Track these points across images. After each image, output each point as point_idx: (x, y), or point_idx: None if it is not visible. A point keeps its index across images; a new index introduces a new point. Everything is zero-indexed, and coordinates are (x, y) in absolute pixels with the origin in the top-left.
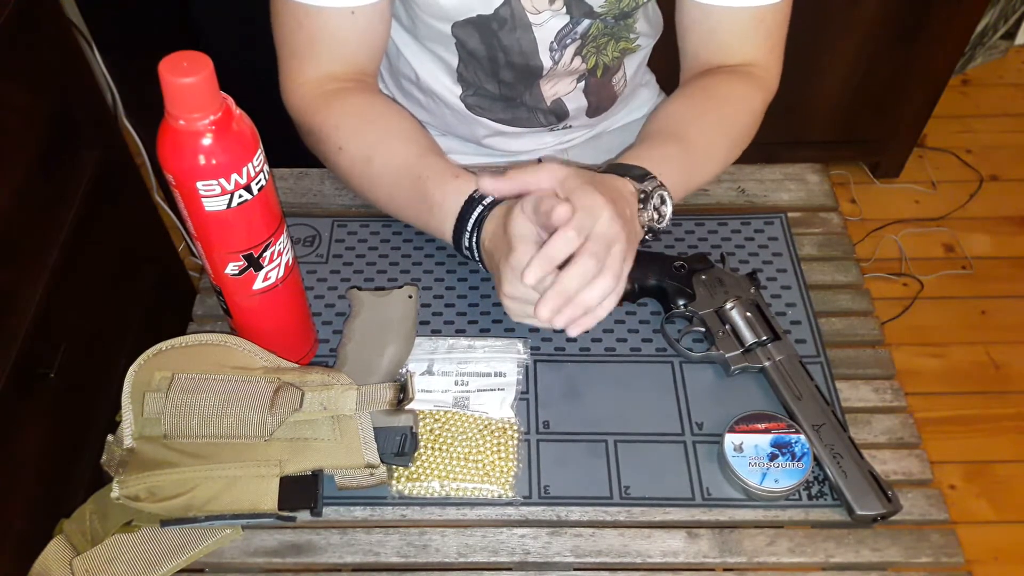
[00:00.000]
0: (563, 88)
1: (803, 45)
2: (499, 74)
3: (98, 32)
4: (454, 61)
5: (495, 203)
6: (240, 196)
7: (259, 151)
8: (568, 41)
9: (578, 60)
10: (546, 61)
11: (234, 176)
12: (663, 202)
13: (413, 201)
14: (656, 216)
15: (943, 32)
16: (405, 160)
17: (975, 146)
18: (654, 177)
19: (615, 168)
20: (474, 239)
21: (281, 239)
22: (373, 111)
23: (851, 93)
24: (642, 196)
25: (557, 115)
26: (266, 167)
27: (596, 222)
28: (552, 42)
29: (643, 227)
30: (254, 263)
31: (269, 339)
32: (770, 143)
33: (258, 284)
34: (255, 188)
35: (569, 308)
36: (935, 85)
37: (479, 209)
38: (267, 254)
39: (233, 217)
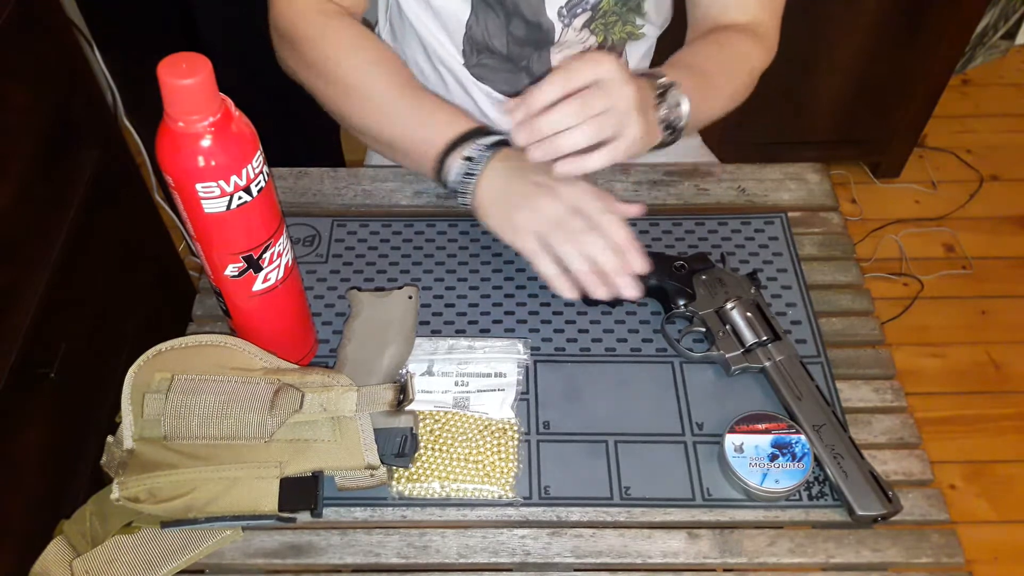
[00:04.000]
0: None
1: (803, 45)
2: (510, 25)
3: (98, 32)
4: (465, 12)
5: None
6: (240, 198)
7: (258, 152)
8: (579, 11)
9: (587, 32)
10: (556, 23)
11: (233, 178)
12: (679, 103)
13: (406, 109)
14: (675, 115)
15: (943, 32)
16: (404, 74)
17: (975, 146)
18: (672, 80)
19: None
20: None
21: (281, 240)
22: (370, 36)
23: (851, 93)
24: (660, 91)
25: None
26: (265, 168)
27: (599, 67)
28: (561, 7)
29: (661, 122)
30: (254, 264)
31: (269, 340)
32: (770, 143)
33: (258, 285)
34: (254, 190)
35: (546, 143)
36: (935, 85)
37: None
38: (267, 255)
39: (232, 219)
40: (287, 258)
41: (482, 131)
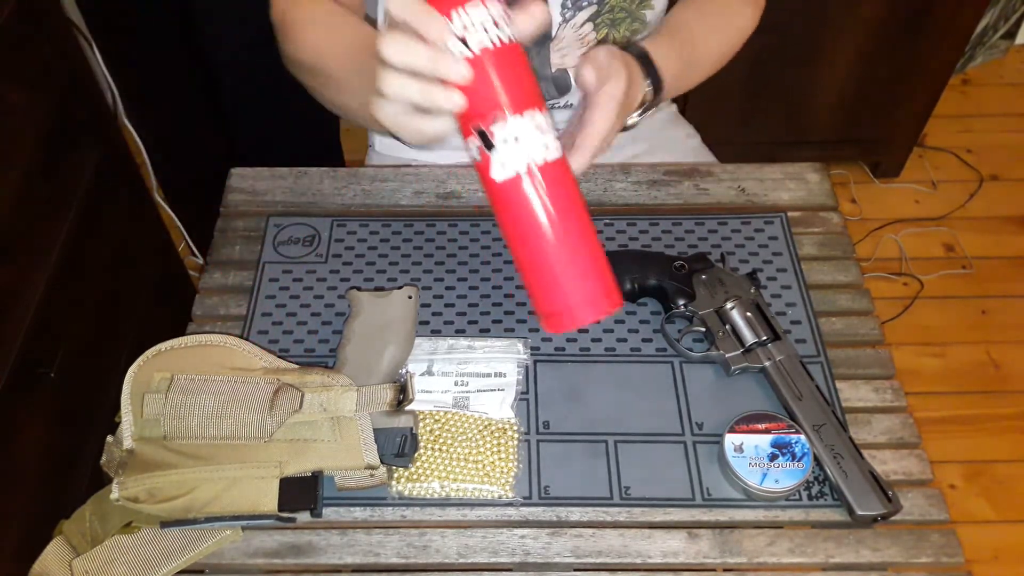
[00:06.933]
0: (571, 60)
1: (803, 45)
2: None
3: (98, 32)
4: None
5: None
6: (460, 48)
7: (476, 4)
8: (584, 3)
9: (589, 27)
10: (555, 13)
11: (455, 16)
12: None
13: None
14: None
15: (943, 32)
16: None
17: (975, 146)
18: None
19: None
20: None
21: (523, 125)
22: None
23: (851, 93)
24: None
25: (558, 86)
26: (500, 32)
27: (621, 82)
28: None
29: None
30: (486, 142)
31: (531, 266)
32: (770, 143)
33: (496, 173)
34: (474, 44)
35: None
36: (935, 85)
37: None
38: (500, 135)
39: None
40: (537, 154)
41: None
